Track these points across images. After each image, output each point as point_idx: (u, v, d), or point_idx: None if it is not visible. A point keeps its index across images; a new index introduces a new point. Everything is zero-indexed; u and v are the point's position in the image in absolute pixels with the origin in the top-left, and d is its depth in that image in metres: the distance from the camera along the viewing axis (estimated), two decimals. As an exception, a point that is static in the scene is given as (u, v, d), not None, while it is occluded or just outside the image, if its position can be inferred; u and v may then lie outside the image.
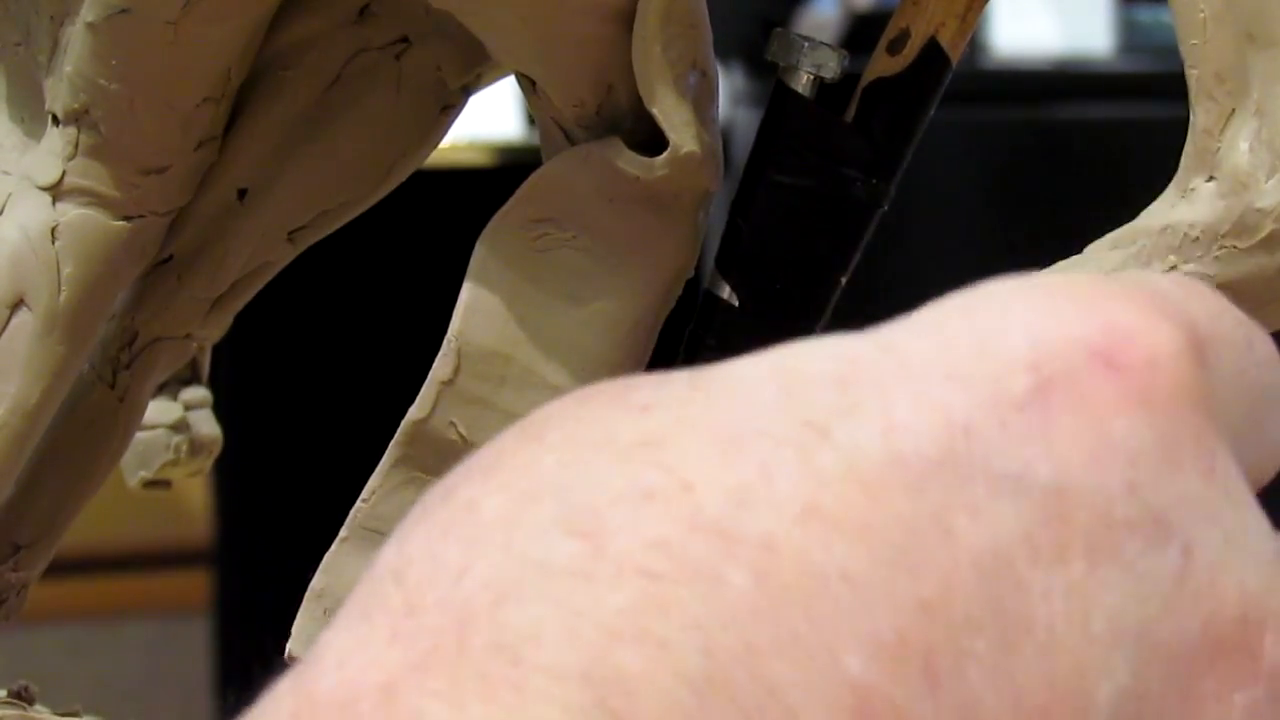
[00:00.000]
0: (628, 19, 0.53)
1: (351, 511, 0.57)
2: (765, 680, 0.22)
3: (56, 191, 0.57)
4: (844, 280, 0.58)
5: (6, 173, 0.59)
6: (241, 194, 0.60)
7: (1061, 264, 0.51)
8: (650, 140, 0.54)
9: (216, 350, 0.71)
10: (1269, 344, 0.27)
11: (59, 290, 0.57)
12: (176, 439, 0.73)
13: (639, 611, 0.22)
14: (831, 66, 0.57)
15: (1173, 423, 0.24)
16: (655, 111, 0.54)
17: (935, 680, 0.22)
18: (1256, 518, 0.25)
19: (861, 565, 0.23)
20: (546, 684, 0.22)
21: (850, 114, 0.57)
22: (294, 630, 0.57)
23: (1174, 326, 0.25)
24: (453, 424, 0.56)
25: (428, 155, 0.62)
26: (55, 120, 0.57)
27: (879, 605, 0.22)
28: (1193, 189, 0.49)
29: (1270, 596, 0.25)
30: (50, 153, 0.57)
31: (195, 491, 2.47)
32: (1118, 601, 0.24)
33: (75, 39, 0.56)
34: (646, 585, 0.22)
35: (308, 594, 0.58)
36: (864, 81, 0.57)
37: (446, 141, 0.63)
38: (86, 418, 0.62)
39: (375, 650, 0.23)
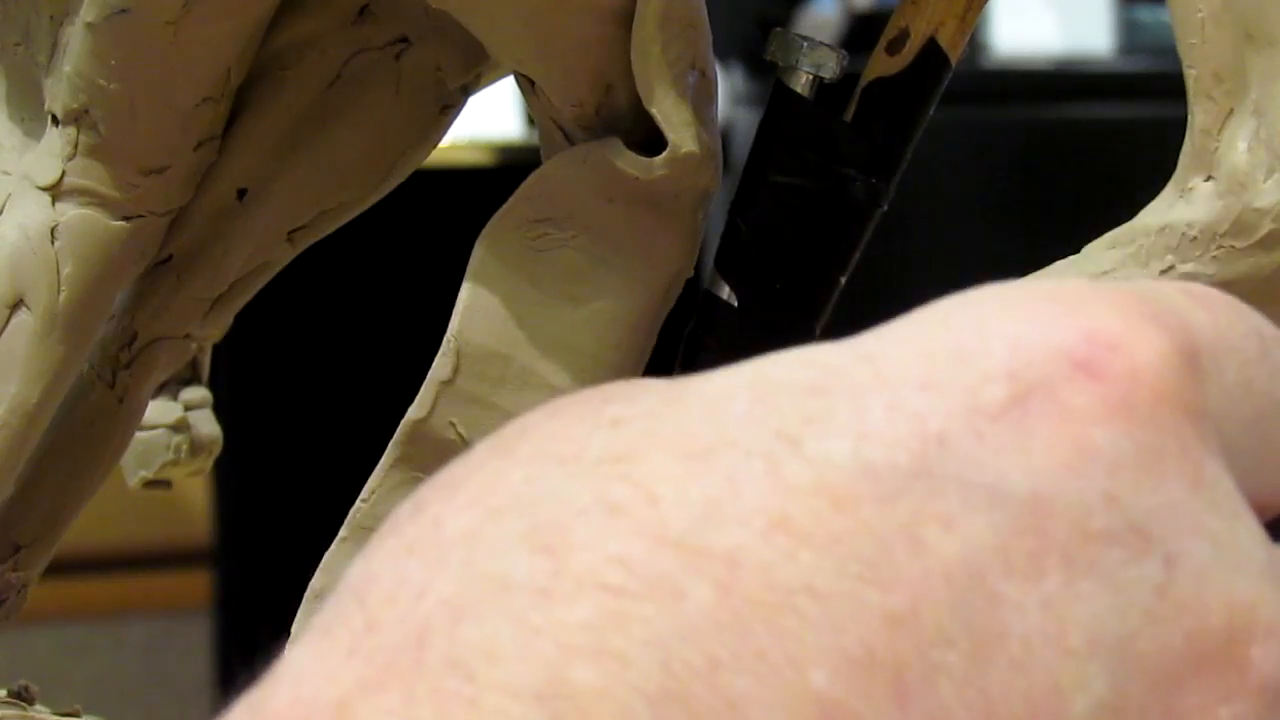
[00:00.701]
0: (626, 19, 0.53)
1: (351, 511, 0.57)
2: (726, 695, 0.22)
3: (56, 191, 0.57)
4: (844, 280, 0.58)
5: (6, 173, 0.59)
6: (241, 194, 0.60)
7: (1059, 264, 0.51)
8: (649, 140, 0.54)
9: (216, 350, 0.71)
10: None
11: (58, 290, 0.57)
12: (177, 439, 0.73)
13: (598, 627, 0.22)
14: (831, 66, 0.57)
15: (1156, 432, 0.24)
16: (654, 111, 0.54)
17: (905, 695, 0.22)
18: (1249, 528, 0.25)
19: (829, 579, 0.22)
20: (501, 701, 0.22)
21: (849, 114, 0.57)
22: (294, 630, 0.58)
23: (1163, 333, 0.25)
24: (452, 424, 0.56)
25: (428, 155, 0.62)
26: (55, 120, 0.57)
27: (846, 619, 0.22)
28: (1191, 188, 0.49)
29: (1260, 608, 0.24)
30: (50, 153, 0.57)
31: (195, 491, 2.47)
32: (1095, 614, 0.23)
33: (75, 39, 0.56)
34: (607, 600, 0.22)
35: (307, 594, 0.58)
36: (863, 81, 0.57)
37: (446, 141, 0.63)
38: (86, 418, 0.62)
39: (331, 667, 0.23)
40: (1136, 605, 0.23)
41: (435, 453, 0.56)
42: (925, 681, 0.22)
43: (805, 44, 0.57)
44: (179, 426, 0.72)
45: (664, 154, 0.54)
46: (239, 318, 0.64)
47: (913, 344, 0.25)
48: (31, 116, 0.59)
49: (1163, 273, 0.49)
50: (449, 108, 0.61)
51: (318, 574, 0.58)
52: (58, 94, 0.57)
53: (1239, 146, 0.48)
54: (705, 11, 0.55)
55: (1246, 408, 0.26)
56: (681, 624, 0.22)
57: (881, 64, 0.57)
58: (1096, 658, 0.23)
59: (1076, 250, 0.51)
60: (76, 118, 0.57)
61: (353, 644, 0.23)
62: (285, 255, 0.62)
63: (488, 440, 0.25)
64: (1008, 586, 0.23)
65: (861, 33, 2.31)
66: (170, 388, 0.72)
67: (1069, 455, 0.24)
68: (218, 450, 0.75)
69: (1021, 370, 0.24)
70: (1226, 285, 0.48)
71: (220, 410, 0.74)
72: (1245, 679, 0.24)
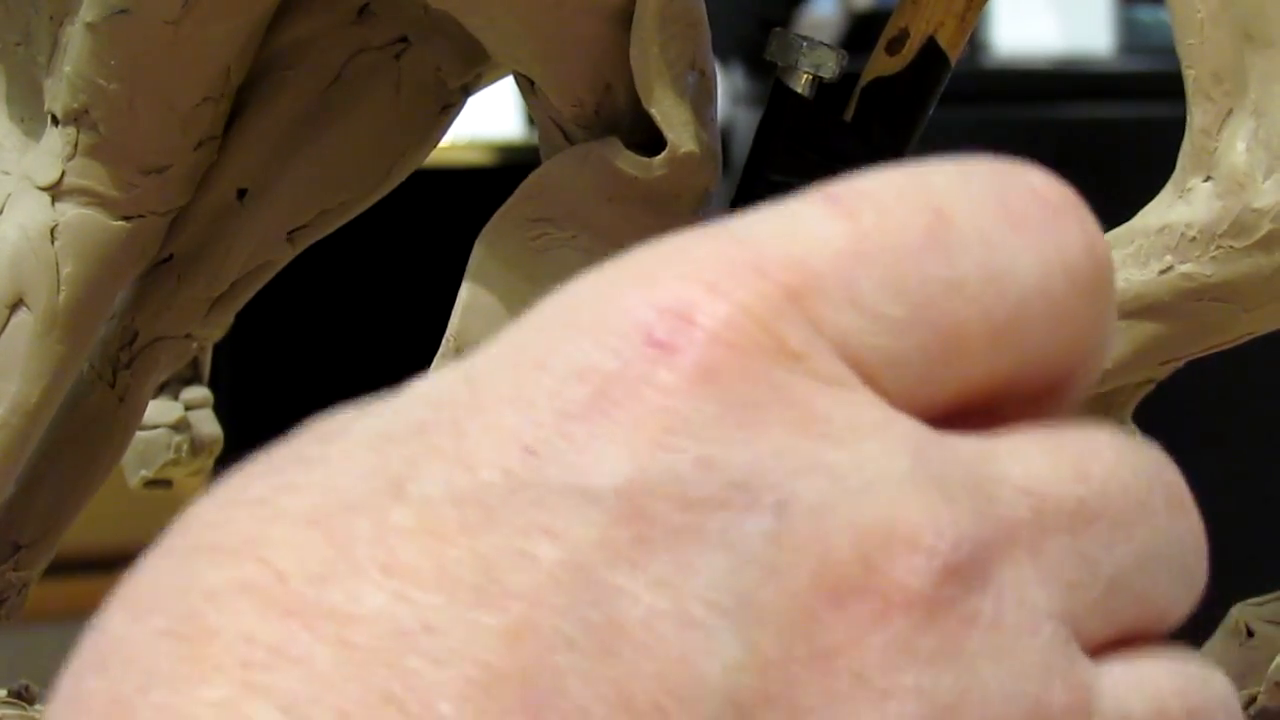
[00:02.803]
0: (626, 19, 0.53)
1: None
2: None
3: (56, 191, 0.57)
4: (843, 280, 0.58)
5: (6, 173, 0.59)
6: (241, 194, 0.60)
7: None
8: (649, 140, 0.54)
9: (217, 350, 0.71)
10: (988, 224, 0.26)
11: (58, 290, 0.57)
12: (177, 438, 0.73)
13: (236, 702, 0.22)
14: (830, 66, 0.57)
15: (745, 386, 0.24)
16: (653, 111, 0.54)
17: (536, 704, 0.22)
18: (884, 445, 0.24)
19: (442, 612, 0.23)
20: None
21: (849, 114, 0.57)
22: None
23: (745, 283, 0.24)
24: (452, 423, 0.56)
25: (428, 155, 0.62)
26: (55, 120, 0.57)
27: (463, 646, 0.23)
28: (1190, 189, 0.49)
29: (896, 523, 0.23)
30: (50, 152, 0.58)
31: (196, 491, 2.46)
32: (711, 580, 0.23)
33: (75, 39, 0.56)
34: (242, 675, 0.23)
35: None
36: (863, 81, 0.57)
37: (446, 141, 0.63)
38: (87, 417, 0.62)
39: None
40: (753, 560, 0.23)
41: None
42: (554, 687, 0.23)
43: (805, 44, 0.57)
44: (180, 426, 0.73)
45: (663, 154, 0.54)
46: (239, 317, 0.64)
47: (504, 357, 0.25)
48: (32, 116, 0.59)
49: (1162, 273, 0.49)
50: (449, 107, 0.61)
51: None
52: (58, 94, 0.57)
53: (1238, 147, 0.48)
54: (704, 11, 0.55)
55: (900, 307, 0.25)
56: (311, 684, 0.23)
57: (881, 64, 0.57)
58: (722, 622, 0.23)
59: (1076, 250, 0.51)
60: (76, 118, 0.57)
61: None
62: (285, 255, 0.62)
63: (160, 539, 0.25)
64: (617, 577, 0.23)
65: (861, 33, 2.31)
66: (171, 387, 0.72)
67: (656, 433, 0.24)
68: (218, 450, 0.75)
69: (599, 363, 0.24)
70: (1226, 285, 0.48)
71: (221, 410, 0.74)
72: (890, 600, 0.23)
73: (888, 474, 0.24)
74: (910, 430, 0.24)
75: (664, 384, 0.24)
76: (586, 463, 0.23)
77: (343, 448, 0.25)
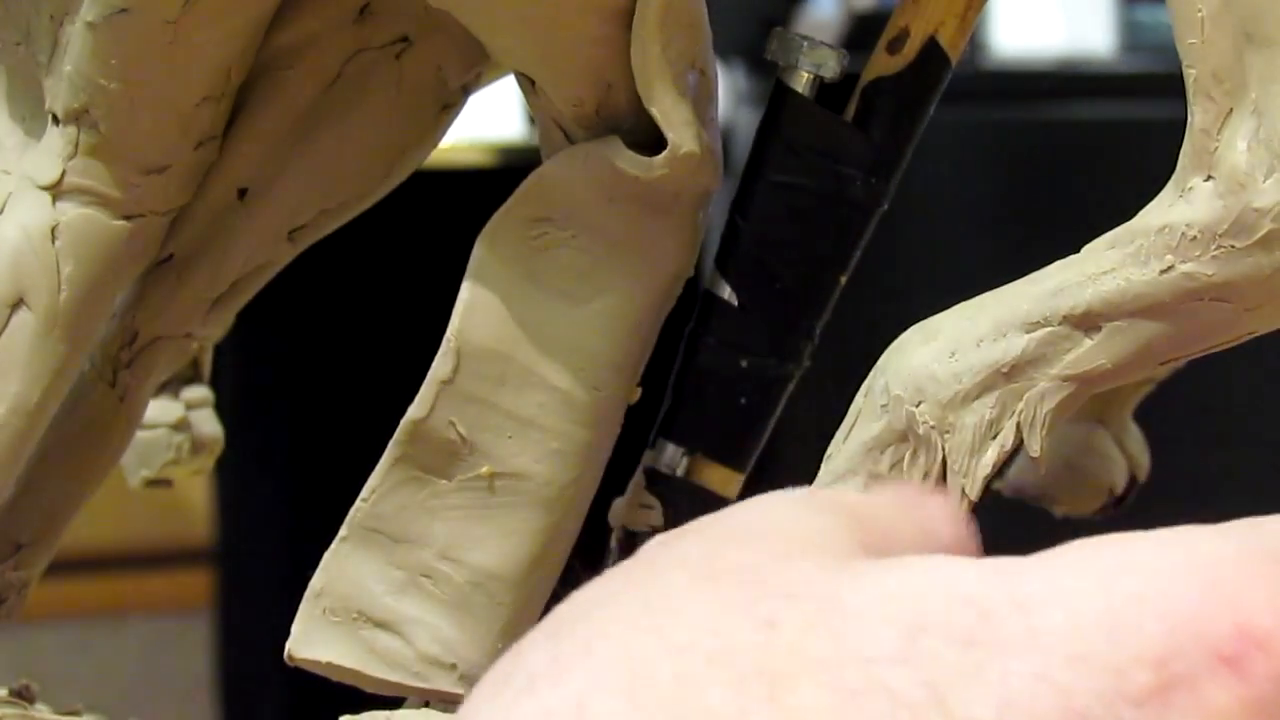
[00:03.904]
0: (627, 18, 0.53)
1: (351, 511, 0.57)
2: None
3: (57, 191, 0.57)
4: (844, 279, 0.58)
5: (7, 172, 0.59)
6: (242, 193, 0.60)
7: (1058, 263, 0.51)
8: (649, 140, 0.54)
9: (218, 349, 0.71)
10: None
11: (59, 289, 0.57)
12: (178, 438, 0.73)
13: None
14: (831, 66, 0.57)
15: None
16: (654, 111, 0.54)
17: None
18: None
19: None
20: None
21: (850, 113, 0.57)
22: (294, 630, 0.58)
23: None
24: (452, 423, 0.56)
25: (428, 155, 0.62)
26: (55, 120, 0.57)
27: None
28: (1191, 188, 0.49)
29: None
30: (50, 152, 0.58)
31: (196, 491, 2.47)
32: None
33: (75, 38, 0.56)
34: None
35: (307, 594, 0.58)
36: (863, 81, 0.58)
37: (446, 141, 0.63)
38: (87, 417, 0.62)
39: None
40: None
41: (435, 452, 0.56)
42: None
43: (805, 43, 0.57)
44: (180, 426, 0.73)
45: (664, 153, 0.54)
46: (240, 317, 0.64)
47: (1068, 602, 0.25)
48: (32, 116, 0.59)
49: (1163, 272, 0.49)
50: (449, 107, 0.61)
51: (318, 574, 0.58)
52: (58, 93, 0.57)
53: (1238, 146, 0.48)
54: (705, 11, 0.55)
55: None
56: None
57: (882, 63, 0.57)
58: None
59: (1076, 250, 0.51)
60: (77, 117, 0.57)
61: None
62: (286, 254, 0.62)
63: (620, 607, 0.25)
64: None
65: (861, 33, 2.31)
66: (172, 387, 0.72)
67: None
68: (219, 450, 0.75)
69: (1170, 659, 0.24)
70: (1226, 285, 0.48)
71: (221, 409, 0.74)
72: None
73: None
74: None
75: (1225, 708, 0.24)
76: None
77: (870, 600, 0.25)
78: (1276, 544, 0.26)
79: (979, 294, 0.53)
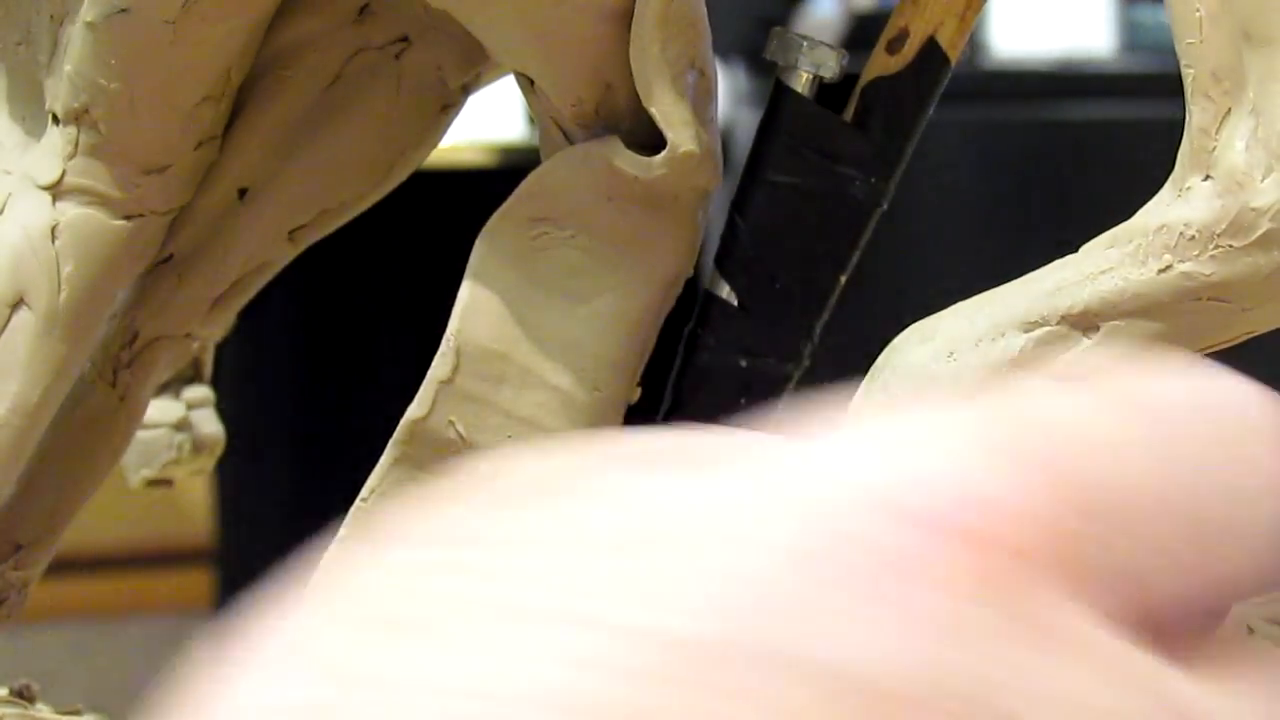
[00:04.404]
0: (626, 18, 0.53)
1: (351, 511, 0.57)
2: None
3: (57, 191, 0.57)
4: (844, 279, 0.58)
5: (7, 172, 0.59)
6: (242, 193, 0.61)
7: (1057, 263, 0.51)
8: (649, 139, 0.55)
9: (218, 349, 0.71)
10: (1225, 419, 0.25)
11: (59, 289, 0.57)
12: (179, 438, 0.73)
13: None
14: (831, 66, 0.57)
15: (1012, 600, 0.23)
16: (653, 111, 0.54)
17: None
18: (1122, 662, 0.23)
19: None
20: None
21: (849, 113, 0.57)
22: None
23: (1035, 489, 0.24)
24: (451, 423, 0.56)
25: (428, 155, 0.62)
26: (55, 119, 0.57)
27: None
28: (1189, 188, 0.49)
29: None
30: (50, 152, 0.58)
31: (197, 491, 2.47)
32: None
33: (75, 38, 0.56)
34: None
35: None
36: (863, 81, 0.58)
37: (446, 141, 0.63)
38: (87, 417, 0.62)
39: None
40: None
41: (435, 452, 0.56)
42: None
43: (805, 43, 0.57)
44: (181, 425, 0.73)
45: (663, 153, 0.54)
46: (240, 316, 0.64)
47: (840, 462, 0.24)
48: (32, 116, 0.59)
49: (1161, 272, 0.49)
50: (449, 107, 0.62)
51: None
52: (58, 93, 0.57)
53: (1237, 146, 0.48)
54: (704, 10, 0.55)
55: (1132, 517, 0.24)
56: None
57: (881, 63, 0.57)
58: None
59: (1076, 250, 0.51)
60: (77, 117, 0.57)
61: None
62: (286, 254, 0.62)
63: None
64: None
65: (861, 33, 2.31)
66: (172, 387, 0.72)
67: (939, 626, 0.23)
68: (220, 449, 0.75)
69: (899, 528, 0.23)
70: (1225, 284, 0.48)
71: (222, 409, 0.74)
72: None
73: (1120, 705, 0.23)
74: (1128, 654, 0.24)
75: (953, 578, 0.23)
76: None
77: None
78: (1023, 413, 0.25)
79: (977, 294, 0.53)
